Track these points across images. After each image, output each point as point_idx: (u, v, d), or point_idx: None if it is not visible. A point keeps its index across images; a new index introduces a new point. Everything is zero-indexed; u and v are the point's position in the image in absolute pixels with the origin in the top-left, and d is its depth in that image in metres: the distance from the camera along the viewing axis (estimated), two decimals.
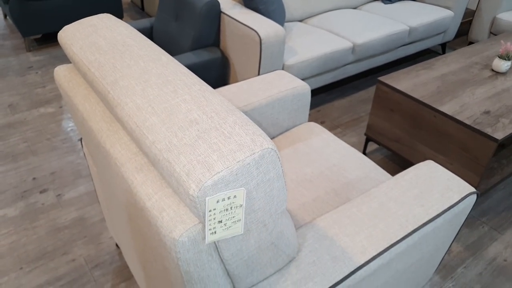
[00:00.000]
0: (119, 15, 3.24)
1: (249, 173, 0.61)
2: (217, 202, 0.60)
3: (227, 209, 0.61)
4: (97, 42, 0.94)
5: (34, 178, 1.86)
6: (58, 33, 1.04)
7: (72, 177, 1.88)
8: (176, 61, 0.87)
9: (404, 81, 1.84)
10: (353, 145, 2.17)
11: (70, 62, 2.86)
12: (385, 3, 2.95)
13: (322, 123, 2.33)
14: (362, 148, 2.15)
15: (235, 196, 0.60)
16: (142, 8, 3.69)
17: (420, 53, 3.21)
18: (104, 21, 1.04)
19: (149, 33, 2.36)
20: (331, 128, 2.29)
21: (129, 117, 0.73)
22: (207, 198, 0.58)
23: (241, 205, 0.61)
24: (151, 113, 0.71)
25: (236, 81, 2.23)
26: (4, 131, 2.14)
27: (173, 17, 2.20)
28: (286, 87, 1.48)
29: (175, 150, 0.63)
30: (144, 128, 0.69)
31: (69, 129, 2.19)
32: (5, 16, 3.46)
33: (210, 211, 0.60)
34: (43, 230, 1.61)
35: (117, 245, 1.56)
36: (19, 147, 2.04)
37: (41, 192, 1.79)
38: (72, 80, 1.01)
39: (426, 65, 1.99)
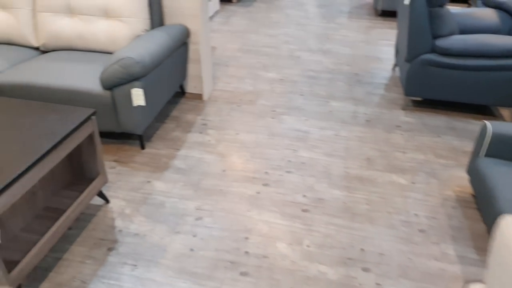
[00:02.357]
0: None
1: None
2: None
3: None
4: None
5: (362, 249, 1.75)
6: (501, 220, 0.74)
7: (399, 271, 1.64)
8: None
9: None
10: None
11: (436, 138, 2.63)
12: None
13: None
14: None
15: None
16: None
17: None
18: None
19: None
20: None
21: None
22: None
23: None
24: None
25: None
26: (353, 183, 2.17)
27: None
28: None
29: None
30: None
31: (412, 212, 1.97)
32: (394, 67, 3.64)
33: None
34: None
35: None
36: (360, 207, 2.00)
37: (363, 270, 1.65)
38: None
39: None
